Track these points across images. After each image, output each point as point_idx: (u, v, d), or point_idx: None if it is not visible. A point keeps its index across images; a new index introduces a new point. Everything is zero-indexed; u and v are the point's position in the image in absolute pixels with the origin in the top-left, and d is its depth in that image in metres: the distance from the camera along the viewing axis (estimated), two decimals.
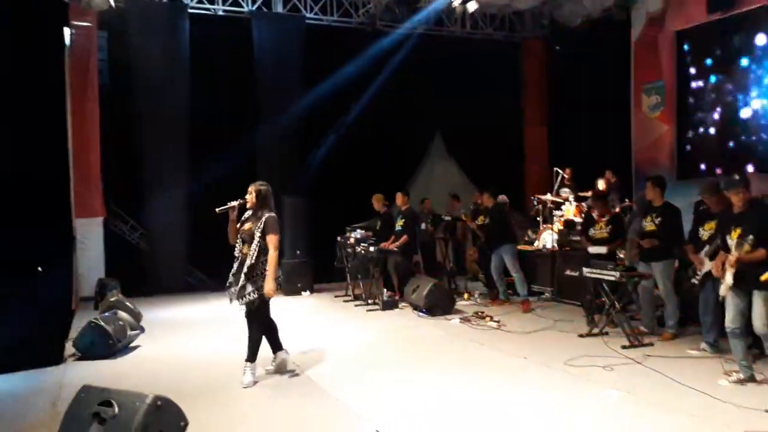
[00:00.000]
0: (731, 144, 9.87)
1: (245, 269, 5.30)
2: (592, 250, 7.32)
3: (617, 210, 8.86)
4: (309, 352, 6.55)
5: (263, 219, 5.37)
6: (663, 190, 6.73)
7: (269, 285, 5.27)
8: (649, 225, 6.61)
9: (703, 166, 10.25)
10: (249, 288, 5.30)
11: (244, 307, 5.42)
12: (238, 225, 5.50)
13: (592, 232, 7.47)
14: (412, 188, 11.87)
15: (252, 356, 5.47)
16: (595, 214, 7.67)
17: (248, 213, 5.54)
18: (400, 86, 12.10)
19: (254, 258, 5.30)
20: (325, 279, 11.08)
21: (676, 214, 6.59)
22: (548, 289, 9.29)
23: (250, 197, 5.49)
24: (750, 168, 9.47)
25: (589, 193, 9.74)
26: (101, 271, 10.17)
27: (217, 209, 5.55)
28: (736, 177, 5.34)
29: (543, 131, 13.84)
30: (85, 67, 10.14)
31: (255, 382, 5.41)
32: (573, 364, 5.66)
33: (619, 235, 7.36)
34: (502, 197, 9.80)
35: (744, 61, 9.61)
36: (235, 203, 5.51)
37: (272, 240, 5.32)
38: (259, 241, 5.33)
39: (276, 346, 5.70)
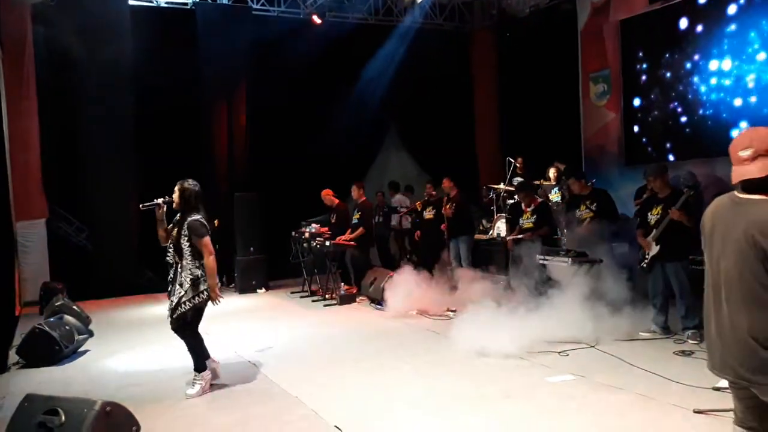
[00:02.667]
0: (676, 130, 10.14)
1: (180, 279, 4.98)
2: (509, 239, 7.67)
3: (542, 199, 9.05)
4: (266, 351, 6.45)
5: (185, 224, 5.00)
6: (585, 178, 7.15)
7: (213, 293, 4.97)
8: (585, 213, 6.85)
9: (650, 152, 10.50)
10: (184, 298, 4.96)
11: (173, 320, 5.07)
12: (169, 227, 5.11)
13: (521, 221, 7.74)
14: (367, 180, 11.83)
15: (201, 365, 5.17)
16: (522, 205, 7.94)
17: (177, 216, 5.13)
18: (353, 77, 12.02)
19: (183, 268, 4.98)
20: (281, 275, 10.95)
21: (607, 195, 7.03)
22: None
23: (176, 196, 5.10)
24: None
25: (540, 182, 9.90)
26: (46, 274, 9.79)
27: (141, 206, 5.17)
28: None
29: (494, 121, 13.96)
30: (20, 63, 9.71)
31: (204, 393, 5.07)
32: (529, 350, 5.72)
33: (545, 224, 7.60)
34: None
35: (686, 48, 9.87)
36: (160, 200, 5.12)
37: (204, 244, 4.93)
38: (186, 250, 4.97)
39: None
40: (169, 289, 5.10)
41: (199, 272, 5.01)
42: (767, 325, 2.33)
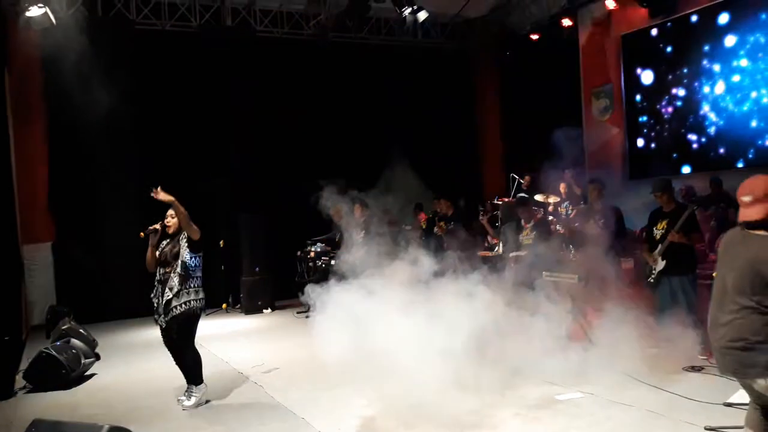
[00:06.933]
0: (680, 144, 10.14)
1: (170, 287, 5.18)
2: (511, 255, 7.54)
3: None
4: (272, 372, 6.43)
5: (182, 236, 5.28)
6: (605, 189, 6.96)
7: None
8: (592, 228, 6.76)
9: (654, 166, 10.48)
10: (174, 303, 5.16)
11: (165, 327, 5.28)
12: (158, 252, 5.34)
13: (520, 238, 7.63)
14: (371, 199, 11.80)
15: (195, 379, 5.38)
16: (522, 220, 7.82)
17: (165, 241, 5.39)
18: (356, 97, 12.08)
19: (179, 272, 5.19)
20: (287, 295, 10.91)
21: (618, 213, 6.81)
22: None
23: (174, 222, 5.33)
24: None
25: (546, 197, 9.86)
26: (52, 298, 9.81)
27: (142, 233, 5.37)
28: None
29: (497, 137, 13.99)
30: (28, 87, 9.83)
31: (199, 405, 5.33)
32: (538, 367, 5.66)
33: (545, 240, 7.48)
34: None
35: (688, 62, 9.91)
36: (158, 226, 5.35)
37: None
38: (183, 255, 5.21)
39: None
40: (154, 301, 5.30)
41: (190, 281, 5.23)
42: (754, 328, 2.93)
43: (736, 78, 9.20)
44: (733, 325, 2.99)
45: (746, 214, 3.04)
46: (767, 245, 2.95)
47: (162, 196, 5.18)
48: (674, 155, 10.26)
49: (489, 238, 10.36)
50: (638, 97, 10.82)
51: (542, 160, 11.11)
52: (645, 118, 10.75)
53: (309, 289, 5.73)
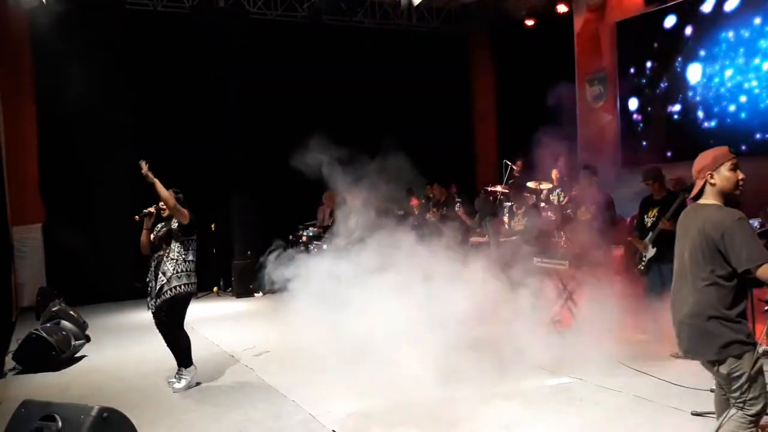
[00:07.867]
0: (673, 132, 10.16)
1: (163, 271, 5.24)
2: (501, 240, 7.57)
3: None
4: (263, 355, 6.45)
5: (173, 220, 5.37)
6: (596, 176, 6.98)
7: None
8: (583, 214, 6.81)
9: (647, 153, 10.50)
10: (165, 288, 5.22)
11: (155, 310, 5.33)
12: (152, 236, 5.42)
13: (511, 224, 7.68)
14: (364, 184, 11.78)
15: (184, 361, 5.44)
16: (514, 206, 7.85)
17: (160, 224, 5.47)
18: (350, 81, 12.01)
19: (172, 256, 5.26)
20: None
21: (609, 199, 6.87)
22: None
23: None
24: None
25: (538, 185, 9.87)
26: (43, 279, 9.77)
27: (137, 216, 5.46)
28: None
29: (492, 123, 13.96)
30: (18, 68, 9.71)
31: (190, 387, 5.39)
32: (528, 352, 5.70)
33: (536, 225, 7.50)
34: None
35: (682, 50, 9.89)
36: (152, 209, 5.43)
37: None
38: (176, 238, 5.30)
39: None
40: (149, 284, 5.35)
41: (183, 265, 5.30)
42: (709, 302, 2.96)
43: (728, 71, 9.19)
44: (690, 300, 3.03)
45: (695, 188, 3.22)
46: (716, 213, 3.04)
47: (147, 173, 5.25)
48: (666, 143, 10.27)
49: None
50: (632, 85, 10.80)
51: (535, 145, 11.13)
52: (638, 106, 10.74)
53: (269, 272, 5.83)
